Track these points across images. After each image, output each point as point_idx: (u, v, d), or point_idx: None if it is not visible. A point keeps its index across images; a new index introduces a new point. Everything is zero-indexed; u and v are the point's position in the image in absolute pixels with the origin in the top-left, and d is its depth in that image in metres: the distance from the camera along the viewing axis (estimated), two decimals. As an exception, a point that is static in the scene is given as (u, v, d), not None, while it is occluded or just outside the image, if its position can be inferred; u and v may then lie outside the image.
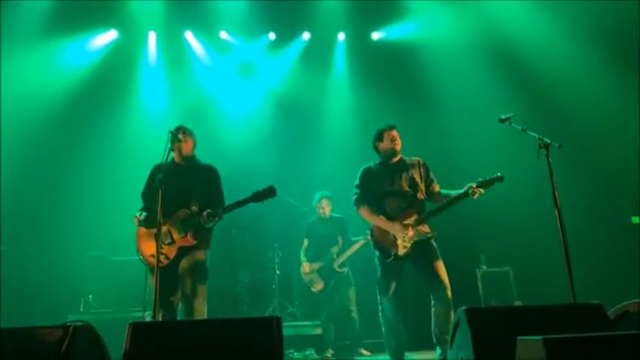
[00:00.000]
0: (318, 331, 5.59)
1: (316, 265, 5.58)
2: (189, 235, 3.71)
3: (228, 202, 3.84)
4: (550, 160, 3.41)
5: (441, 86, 6.87)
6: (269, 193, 3.64)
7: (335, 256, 5.51)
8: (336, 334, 5.57)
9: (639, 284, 5.12)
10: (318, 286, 5.54)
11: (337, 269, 5.48)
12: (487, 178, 3.81)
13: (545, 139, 3.44)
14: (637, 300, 2.65)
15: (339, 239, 5.60)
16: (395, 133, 4.08)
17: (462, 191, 3.84)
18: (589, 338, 2.03)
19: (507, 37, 6.67)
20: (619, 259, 5.71)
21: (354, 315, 5.45)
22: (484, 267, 5.98)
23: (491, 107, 5.78)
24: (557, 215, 3.30)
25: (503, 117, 3.70)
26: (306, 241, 5.78)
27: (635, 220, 6.02)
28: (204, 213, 3.66)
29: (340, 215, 5.69)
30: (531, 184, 5.02)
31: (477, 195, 3.78)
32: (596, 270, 5.42)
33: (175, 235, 3.73)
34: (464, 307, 2.56)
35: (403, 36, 7.31)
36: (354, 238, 5.58)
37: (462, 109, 6.65)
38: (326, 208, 5.65)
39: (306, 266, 5.62)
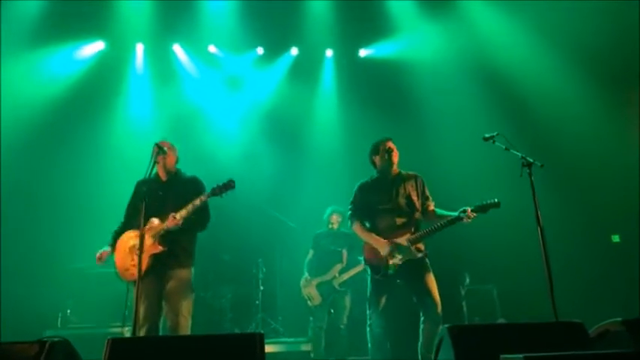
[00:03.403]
0: (307, 347, 5.52)
1: (316, 281, 5.50)
2: (157, 242, 3.65)
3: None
4: (533, 178, 3.45)
5: (426, 104, 6.96)
6: (227, 186, 3.62)
7: (337, 274, 5.43)
8: (326, 350, 5.48)
9: (621, 303, 5.19)
10: (315, 301, 5.46)
11: (337, 287, 5.41)
12: (483, 203, 3.77)
13: (528, 158, 3.48)
14: (618, 319, 2.68)
15: (344, 255, 5.51)
16: (390, 144, 4.04)
17: (455, 214, 3.80)
18: (569, 356, 2.04)
19: (493, 56, 6.80)
20: (601, 277, 5.78)
21: (343, 332, 5.39)
22: (468, 284, 5.98)
23: (476, 125, 5.86)
24: (540, 234, 3.34)
25: (487, 135, 3.72)
26: (311, 252, 5.69)
27: (615, 238, 6.11)
28: (170, 215, 3.60)
29: (350, 232, 5.65)
30: (515, 202, 5.07)
31: (470, 219, 3.75)
32: (578, 288, 5.47)
33: (146, 244, 3.63)
34: (447, 325, 2.56)
35: (390, 54, 7.42)
36: (360, 258, 5.50)
37: (447, 126, 6.74)
38: (335, 224, 5.64)
39: (303, 280, 5.55)
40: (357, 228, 4.02)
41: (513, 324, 2.88)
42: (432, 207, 4.04)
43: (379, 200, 3.96)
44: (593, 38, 6.08)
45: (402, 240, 3.85)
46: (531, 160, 3.47)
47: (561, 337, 2.53)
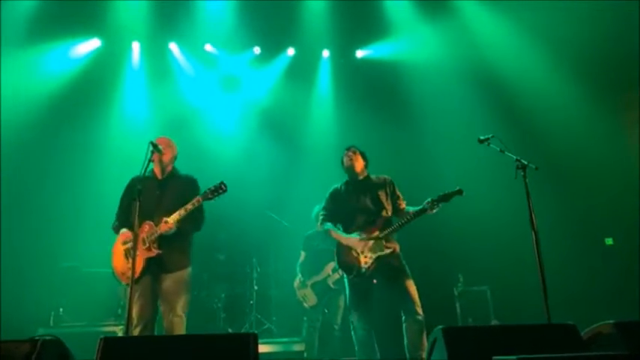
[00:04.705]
0: (300, 347, 5.51)
1: (311, 281, 5.48)
2: (152, 247, 3.64)
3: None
4: (527, 181, 3.47)
5: (422, 105, 6.98)
6: (218, 189, 3.58)
7: (331, 272, 5.42)
8: (320, 350, 5.47)
9: (613, 305, 5.22)
10: (310, 302, 5.44)
11: (332, 286, 5.39)
12: (446, 192, 3.85)
13: (523, 161, 3.51)
14: (610, 321, 2.69)
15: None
16: (350, 153, 4.20)
17: (420, 207, 3.90)
18: (562, 358, 2.05)
19: (488, 58, 6.82)
20: (594, 280, 5.81)
21: (337, 333, 5.39)
22: (461, 286, 6.00)
23: (472, 127, 5.88)
24: (534, 236, 3.35)
25: (482, 137, 3.76)
26: (303, 254, 5.67)
27: (608, 241, 6.15)
28: (163, 220, 3.59)
29: None
30: (509, 204, 5.10)
31: (435, 209, 3.84)
32: (571, 290, 5.50)
33: (140, 248, 3.62)
34: (441, 326, 2.57)
35: (386, 55, 7.43)
36: None
37: (443, 128, 6.75)
38: None
39: (297, 281, 5.54)
40: (329, 231, 4.13)
41: (506, 325, 2.89)
42: (403, 205, 4.16)
43: (347, 201, 4.14)
44: (590, 40, 6.11)
45: (372, 237, 3.94)
46: (526, 163, 3.49)
47: (554, 339, 2.54)
